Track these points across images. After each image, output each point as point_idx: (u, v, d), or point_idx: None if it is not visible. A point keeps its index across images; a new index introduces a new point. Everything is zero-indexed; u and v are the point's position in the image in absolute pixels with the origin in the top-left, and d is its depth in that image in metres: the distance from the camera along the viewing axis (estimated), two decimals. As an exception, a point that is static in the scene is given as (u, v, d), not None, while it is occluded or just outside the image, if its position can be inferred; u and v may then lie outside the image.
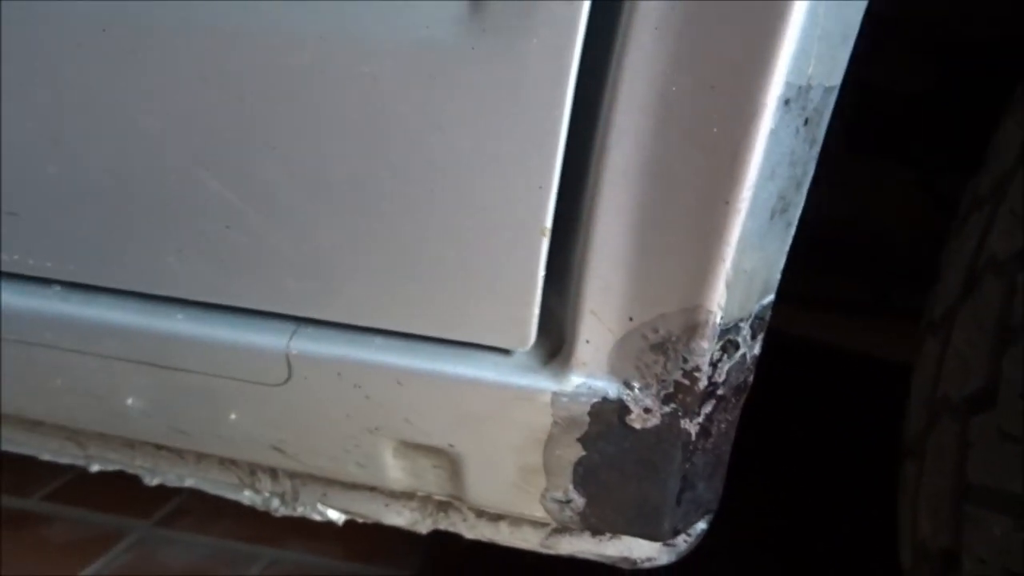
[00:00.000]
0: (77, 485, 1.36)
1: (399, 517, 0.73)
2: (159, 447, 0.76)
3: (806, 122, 0.49)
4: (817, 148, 0.52)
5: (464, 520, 0.72)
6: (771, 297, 0.56)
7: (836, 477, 1.44)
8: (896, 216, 1.39)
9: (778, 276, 0.56)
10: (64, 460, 0.81)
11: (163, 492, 1.33)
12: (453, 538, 0.85)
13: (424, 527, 0.73)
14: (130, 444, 0.77)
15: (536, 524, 0.70)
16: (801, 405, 1.70)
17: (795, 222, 0.54)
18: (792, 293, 1.46)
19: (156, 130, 0.55)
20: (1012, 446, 0.52)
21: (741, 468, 1.45)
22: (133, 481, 0.88)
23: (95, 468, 0.79)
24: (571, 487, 0.61)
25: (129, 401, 0.66)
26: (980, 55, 1.17)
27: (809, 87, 0.48)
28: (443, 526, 0.73)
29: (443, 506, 0.72)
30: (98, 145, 0.57)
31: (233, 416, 0.65)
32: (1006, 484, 0.53)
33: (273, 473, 0.74)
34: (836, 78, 0.50)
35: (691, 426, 0.57)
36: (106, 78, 0.54)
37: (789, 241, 0.55)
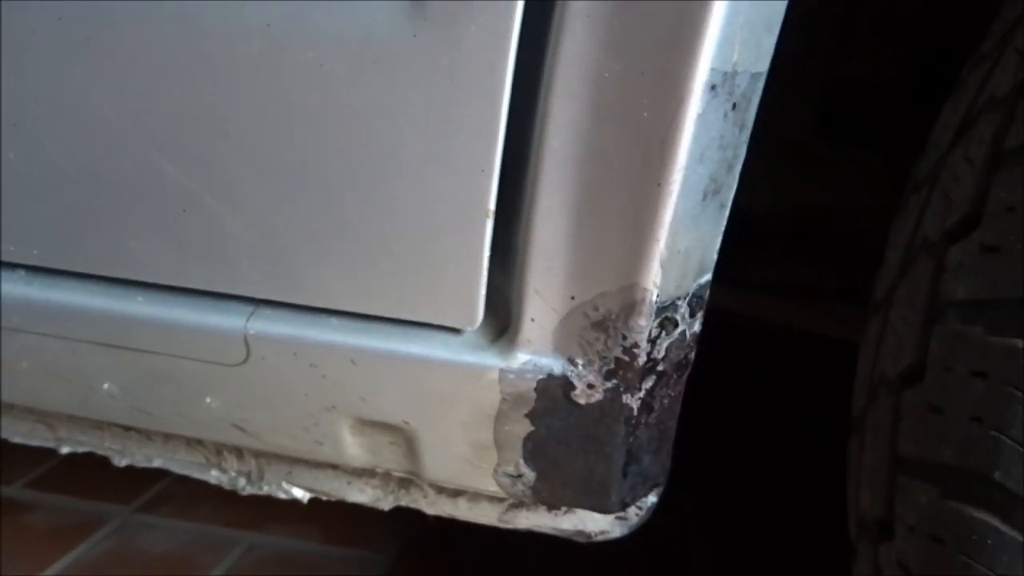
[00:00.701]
0: (58, 472, 1.38)
1: (361, 494, 0.75)
2: (127, 428, 0.78)
3: (734, 107, 0.51)
4: (747, 132, 0.54)
5: (424, 496, 0.74)
6: (708, 276, 0.58)
7: (800, 456, 1.47)
8: (865, 204, 1.41)
9: (714, 256, 0.58)
10: (34, 442, 0.83)
11: (144, 479, 1.35)
12: (429, 521, 0.87)
13: (386, 504, 0.75)
14: (99, 426, 0.79)
15: (493, 499, 0.72)
16: (772, 389, 1.73)
17: (728, 204, 0.56)
18: (763, 280, 1.48)
19: (113, 116, 0.57)
20: (938, 418, 0.54)
21: (712, 447, 1.48)
22: (114, 468, 0.90)
23: (65, 450, 0.81)
24: (521, 462, 0.63)
25: (93, 383, 0.68)
26: (951, 45, 1.19)
27: (735, 73, 0.50)
28: (404, 502, 0.75)
29: (404, 483, 0.74)
30: (57, 131, 0.58)
31: (194, 396, 0.67)
32: (933, 455, 0.55)
33: (239, 452, 0.76)
34: (763, 64, 0.52)
35: (633, 401, 0.59)
36: (64, 66, 0.56)
37: (724, 221, 0.57)
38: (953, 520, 0.53)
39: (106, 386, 0.69)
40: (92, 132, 0.58)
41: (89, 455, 0.88)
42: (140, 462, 0.80)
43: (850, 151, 1.39)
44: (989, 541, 0.51)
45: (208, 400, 0.67)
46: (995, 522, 0.50)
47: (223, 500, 1.32)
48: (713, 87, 0.49)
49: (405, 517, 1.26)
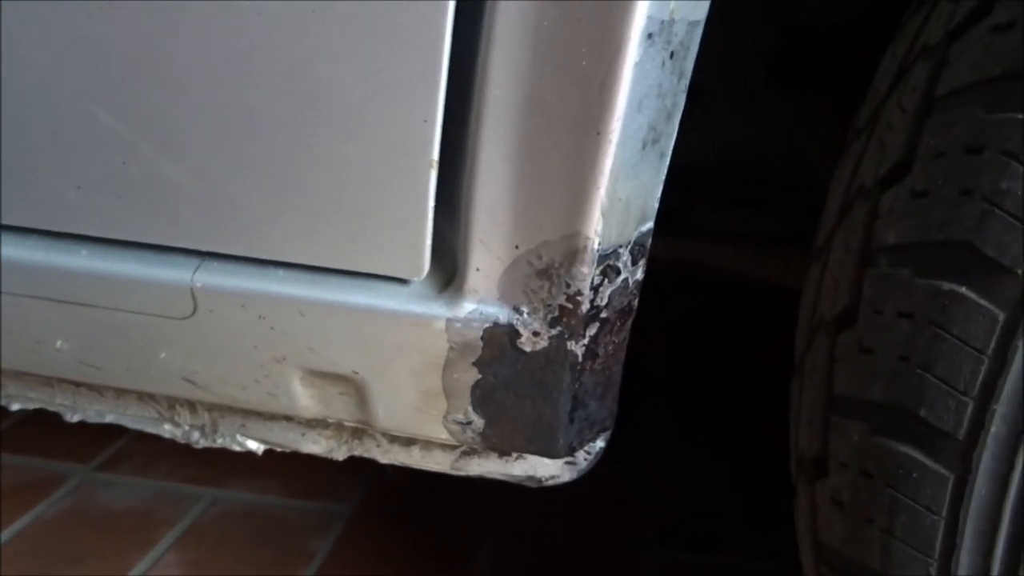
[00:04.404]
0: (14, 433, 1.37)
1: (315, 445, 0.76)
2: (77, 384, 0.77)
3: (672, 55, 0.52)
4: (686, 81, 0.54)
5: (378, 446, 0.75)
6: (650, 224, 0.59)
7: (749, 401, 1.51)
8: (815, 150, 1.42)
9: (656, 204, 0.59)
10: (-18, 400, 0.82)
11: (102, 438, 1.35)
12: (390, 472, 0.87)
13: (340, 454, 0.76)
14: (48, 382, 0.78)
15: (446, 447, 0.73)
16: (723, 336, 1.76)
17: (669, 152, 0.57)
18: (713, 227, 1.49)
19: (46, 65, 0.56)
20: (869, 358, 0.56)
21: (662, 394, 1.50)
22: (71, 428, 0.89)
23: (15, 407, 0.81)
24: (470, 409, 0.65)
25: (40, 338, 0.67)
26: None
27: (672, 21, 0.50)
28: (358, 452, 0.76)
29: (357, 433, 0.75)
30: (-10, 83, 0.57)
31: (143, 350, 0.67)
32: (863, 393, 0.57)
33: (191, 406, 0.77)
34: (700, 13, 0.52)
35: (577, 347, 0.60)
36: (-8, 15, 0.55)
37: (664, 170, 0.57)
38: (881, 455, 0.55)
39: (53, 342, 0.68)
40: (26, 81, 0.57)
41: (44, 416, 0.88)
42: (92, 418, 0.80)
43: (801, 96, 1.39)
44: (914, 474, 0.53)
45: (157, 354, 0.67)
46: (920, 456, 0.53)
47: (183, 457, 1.32)
48: (650, 35, 0.49)
49: (366, 469, 1.27)
